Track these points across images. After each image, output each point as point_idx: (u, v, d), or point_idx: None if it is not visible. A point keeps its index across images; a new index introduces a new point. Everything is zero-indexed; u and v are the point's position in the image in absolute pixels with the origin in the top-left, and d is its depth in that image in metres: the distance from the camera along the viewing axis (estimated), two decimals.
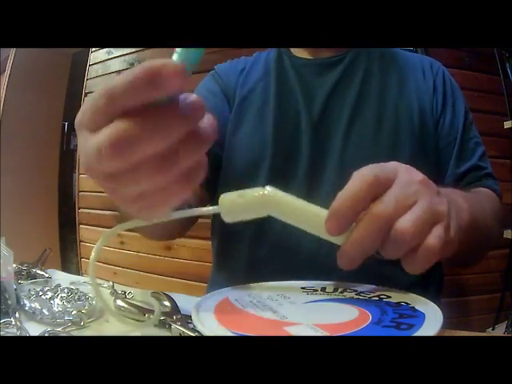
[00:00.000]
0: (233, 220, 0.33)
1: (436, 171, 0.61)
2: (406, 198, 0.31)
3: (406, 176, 0.33)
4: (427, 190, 0.32)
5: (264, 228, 0.59)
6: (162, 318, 0.41)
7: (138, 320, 0.44)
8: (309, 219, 0.33)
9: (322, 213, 0.32)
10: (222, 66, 0.72)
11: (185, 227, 0.64)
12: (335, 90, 0.62)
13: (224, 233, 0.67)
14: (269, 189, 0.32)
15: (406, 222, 0.30)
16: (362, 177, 0.32)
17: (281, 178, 0.59)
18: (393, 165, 0.34)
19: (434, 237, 0.31)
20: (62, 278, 0.58)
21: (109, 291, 0.54)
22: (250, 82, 0.66)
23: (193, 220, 0.64)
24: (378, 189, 0.31)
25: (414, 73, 0.64)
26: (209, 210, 0.33)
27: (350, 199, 0.31)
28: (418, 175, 0.34)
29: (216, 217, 0.66)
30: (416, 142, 0.59)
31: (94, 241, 2.00)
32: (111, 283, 0.55)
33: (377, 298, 0.34)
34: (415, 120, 0.60)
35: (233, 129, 0.64)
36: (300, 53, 0.66)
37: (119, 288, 0.55)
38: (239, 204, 0.32)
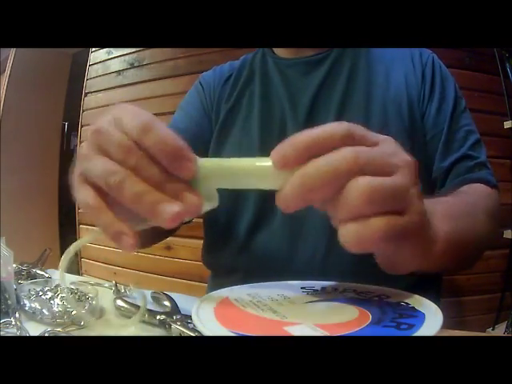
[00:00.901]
0: None
1: (426, 167, 0.58)
2: (383, 162, 0.27)
3: (393, 146, 0.29)
4: (410, 174, 0.28)
5: (252, 237, 0.59)
6: (162, 317, 0.41)
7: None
8: (249, 173, 0.29)
9: (259, 162, 0.28)
10: (206, 76, 0.71)
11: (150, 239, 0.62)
12: (321, 90, 0.60)
13: (211, 240, 0.66)
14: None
15: (364, 184, 0.26)
16: (338, 124, 0.27)
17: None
18: (383, 135, 0.30)
19: (384, 224, 0.26)
20: None
21: (111, 291, 0.54)
22: (235, 91, 0.65)
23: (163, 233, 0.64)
24: (351, 143, 0.27)
25: (402, 64, 0.61)
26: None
27: (311, 138, 0.27)
28: (408, 155, 0.29)
29: (212, 218, 0.66)
30: (406, 136, 0.57)
31: (94, 241, 1.99)
32: (114, 282, 0.55)
33: (377, 298, 0.34)
34: (404, 113, 0.58)
35: (219, 143, 0.63)
36: (284, 53, 0.65)
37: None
38: None
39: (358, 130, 0.28)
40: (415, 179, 0.29)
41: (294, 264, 0.56)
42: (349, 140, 0.27)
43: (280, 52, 0.66)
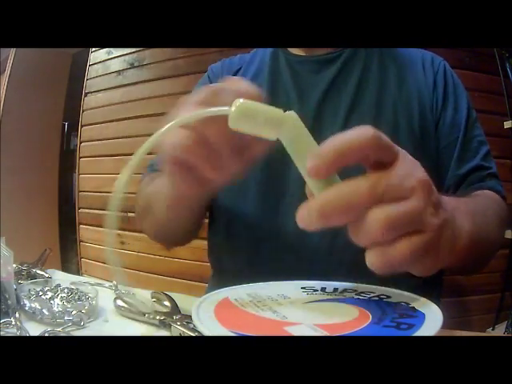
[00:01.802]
0: (237, 126, 0.29)
1: (436, 173, 0.59)
2: (398, 189, 0.28)
3: (408, 165, 0.30)
4: (424, 195, 0.29)
5: (262, 232, 0.59)
6: (162, 317, 0.41)
7: (137, 320, 0.44)
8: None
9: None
10: (214, 68, 0.70)
11: (195, 225, 0.59)
12: (330, 89, 0.60)
13: (222, 235, 0.66)
14: (291, 112, 0.31)
15: (382, 214, 0.27)
16: (365, 131, 0.28)
17: (273, 185, 0.58)
18: (398, 148, 0.30)
19: (407, 246, 0.28)
20: (61, 278, 0.58)
21: (111, 291, 0.54)
22: None
23: (199, 220, 0.61)
24: (376, 152, 0.29)
25: (414, 68, 0.61)
26: (220, 110, 0.30)
27: (339, 151, 0.28)
28: (422, 173, 0.30)
29: (214, 217, 0.66)
30: (416, 142, 0.57)
31: (94, 241, 2.00)
32: (114, 282, 0.55)
33: (377, 298, 0.34)
34: (415, 119, 0.58)
35: None
36: (296, 50, 0.64)
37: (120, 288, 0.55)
38: (255, 110, 0.30)
39: (384, 137, 0.29)
40: (430, 197, 0.30)
41: (295, 264, 0.56)
42: (377, 146, 0.28)
43: (292, 49, 0.65)
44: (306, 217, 0.28)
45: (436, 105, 0.60)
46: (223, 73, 0.68)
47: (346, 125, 0.58)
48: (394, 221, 0.27)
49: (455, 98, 0.61)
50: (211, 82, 0.67)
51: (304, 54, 0.64)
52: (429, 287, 0.58)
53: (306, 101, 0.60)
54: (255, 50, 0.70)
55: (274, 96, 0.61)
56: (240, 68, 0.67)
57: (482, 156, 0.60)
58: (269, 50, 0.67)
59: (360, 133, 0.28)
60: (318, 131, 0.58)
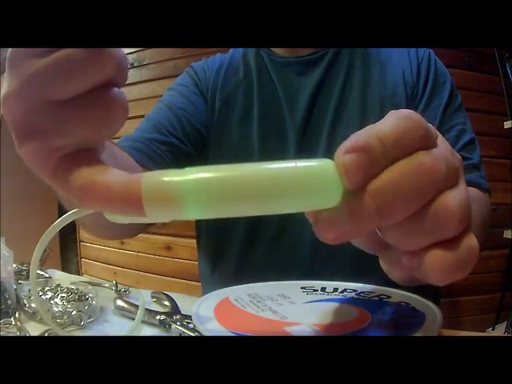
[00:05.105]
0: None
1: None
2: (452, 170, 0.21)
3: (448, 145, 0.23)
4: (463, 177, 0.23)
5: (257, 230, 0.58)
6: (162, 317, 0.41)
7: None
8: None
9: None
10: (197, 64, 0.70)
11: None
12: (318, 91, 0.59)
13: (213, 232, 0.65)
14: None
15: (454, 200, 0.20)
16: (405, 114, 0.21)
17: None
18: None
19: (474, 238, 0.21)
20: (61, 278, 0.58)
21: (112, 291, 0.54)
22: (229, 82, 0.64)
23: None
24: (426, 140, 0.20)
25: (400, 61, 0.60)
26: None
27: (384, 136, 0.19)
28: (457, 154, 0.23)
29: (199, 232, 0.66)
30: None
31: (94, 241, 2.00)
32: (114, 282, 0.55)
33: (377, 298, 0.34)
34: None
35: (216, 136, 0.62)
36: (279, 50, 0.63)
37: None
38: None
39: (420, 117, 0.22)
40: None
41: (295, 265, 0.56)
42: (425, 130, 0.21)
43: (275, 49, 0.64)
44: (345, 217, 0.19)
45: (417, 92, 0.59)
46: (208, 66, 0.67)
47: (333, 128, 0.57)
48: (464, 207, 0.20)
49: (435, 84, 0.59)
50: (197, 74, 0.67)
51: (287, 55, 0.63)
52: (429, 287, 0.58)
53: (295, 106, 0.59)
54: (231, 49, 0.69)
55: (265, 102, 0.61)
56: (221, 65, 0.66)
57: (461, 145, 0.56)
58: (251, 50, 0.66)
59: (402, 118, 0.21)
60: (309, 136, 0.59)
